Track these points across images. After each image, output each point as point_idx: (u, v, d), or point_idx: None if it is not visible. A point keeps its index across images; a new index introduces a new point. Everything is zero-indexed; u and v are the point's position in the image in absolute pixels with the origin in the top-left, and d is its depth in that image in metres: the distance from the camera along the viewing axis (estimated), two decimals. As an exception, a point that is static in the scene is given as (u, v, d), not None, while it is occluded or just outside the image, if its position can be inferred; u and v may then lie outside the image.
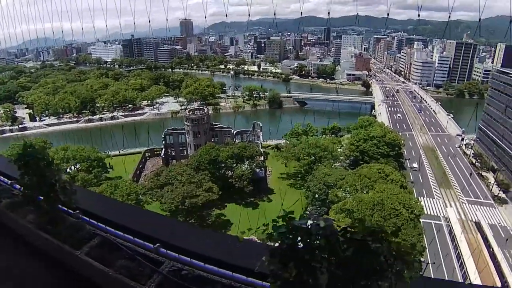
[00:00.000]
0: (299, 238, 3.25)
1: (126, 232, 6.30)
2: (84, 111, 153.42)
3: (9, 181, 8.58)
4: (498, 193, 79.85)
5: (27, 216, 6.60)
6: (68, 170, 75.26)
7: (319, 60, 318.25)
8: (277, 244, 3.38)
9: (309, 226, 3.25)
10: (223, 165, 76.29)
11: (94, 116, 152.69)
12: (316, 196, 67.37)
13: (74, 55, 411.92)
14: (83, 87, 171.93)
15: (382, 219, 47.08)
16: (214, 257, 5.44)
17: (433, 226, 66.57)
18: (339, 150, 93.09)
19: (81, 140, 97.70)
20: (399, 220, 47.14)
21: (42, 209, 6.42)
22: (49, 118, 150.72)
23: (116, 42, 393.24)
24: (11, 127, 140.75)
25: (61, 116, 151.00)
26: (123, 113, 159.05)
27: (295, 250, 3.23)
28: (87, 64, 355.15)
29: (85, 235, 6.11)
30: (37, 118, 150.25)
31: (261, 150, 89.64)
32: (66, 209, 6.74)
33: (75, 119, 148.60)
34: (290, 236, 3.28)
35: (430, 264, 52.66)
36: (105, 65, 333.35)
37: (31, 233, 6.35)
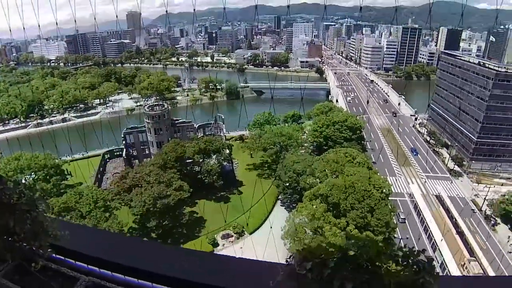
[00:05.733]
0: None
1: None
2: (32, 115, 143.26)
3: None
4: (454, 167, 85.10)
5: None
6: (23, 181, 69.69)
7: (272, 48, 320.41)
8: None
9: None
10: (190, 161, 74.61)
11: (44, 120, 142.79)
12: (287, 184, 67.85)
13: (14, 54, 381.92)
14: (28, 89, 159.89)
15: (356, 201, 48.37)
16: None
17: (399, 202, 69.74)
18: (302, 137, 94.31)
19: (33, 146, 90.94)
20: (372, 201, 48.66)
21: None
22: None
23: (59, 39, 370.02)
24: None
25: (6, 122, 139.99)
26: (75, 114, 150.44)
27: None
28: (30, 64, 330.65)
29: None
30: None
31: (226, 142, 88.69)
32: None
33: (23, 125, 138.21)
34: None
35: (401, 240, 55.25)
36: (49, 64, 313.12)
37: None
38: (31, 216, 3.89)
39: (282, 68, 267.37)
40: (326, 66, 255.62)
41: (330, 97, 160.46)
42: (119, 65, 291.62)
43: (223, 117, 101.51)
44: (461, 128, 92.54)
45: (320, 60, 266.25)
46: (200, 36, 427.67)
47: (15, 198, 3.88)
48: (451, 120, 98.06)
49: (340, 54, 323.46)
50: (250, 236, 62.60)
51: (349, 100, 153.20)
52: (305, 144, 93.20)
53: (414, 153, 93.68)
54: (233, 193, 76.36)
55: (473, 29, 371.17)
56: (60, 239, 4.01)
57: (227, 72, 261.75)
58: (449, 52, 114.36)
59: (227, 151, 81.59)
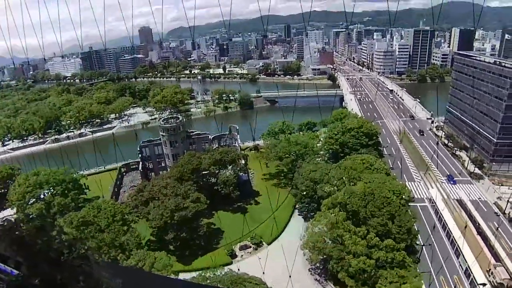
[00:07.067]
0: None
1: None
2: (50, 130, 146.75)
3: None
4: (474, 170, 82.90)
5: None
6: (42, 196, 70.89)
7: (283, 57, 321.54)
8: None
9: None
10: (206, 172, 74.74)
11: (61, 135, 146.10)
12: (304, 193, 67.13)
13: (31, 72, 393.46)
14: (46, 105, 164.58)
15: (376, 209, 47.42)
16: None
17: (419, 208, 68.16)
18: (318, 145, 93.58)
19: (51, 162, 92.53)
20: (392, 208, 47.64)
21: None
22: (13, 141, 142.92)
23: (74, 56, 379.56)
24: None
25: (25, 138, 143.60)
26: (91, 129, 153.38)
27: None
28: (46, 81, 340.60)
29: None
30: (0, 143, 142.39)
31: (242, 153, 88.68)
32: None
33: (41, 140, 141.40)
34: None
35: (424, 247, 53.75)
36: (65, 81, 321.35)
37: None
38: (84, 270, 3.30)
39: (294, 76, 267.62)
40: (339, 72, 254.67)
41: (343, 104, 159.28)
42: (133, 79, 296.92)
43: (237, 128, 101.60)
44: (480, 129, 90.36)
45: (332, 67, 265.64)
46: (211, 48, 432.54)
47: (65, 252, 3.18)
48: (469, 121, 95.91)
49: (352, 60, 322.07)
50: (268, 247, 61.99)
51: (359, 98, 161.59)
52: (321, 152, 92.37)
53: (452, 182, 78.03)
54: (250, 204, 76.11)
55: (485, 28, 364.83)
56: None
57: (240, 82, 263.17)
58: (462, 53, 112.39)
59: (243, 161, 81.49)
